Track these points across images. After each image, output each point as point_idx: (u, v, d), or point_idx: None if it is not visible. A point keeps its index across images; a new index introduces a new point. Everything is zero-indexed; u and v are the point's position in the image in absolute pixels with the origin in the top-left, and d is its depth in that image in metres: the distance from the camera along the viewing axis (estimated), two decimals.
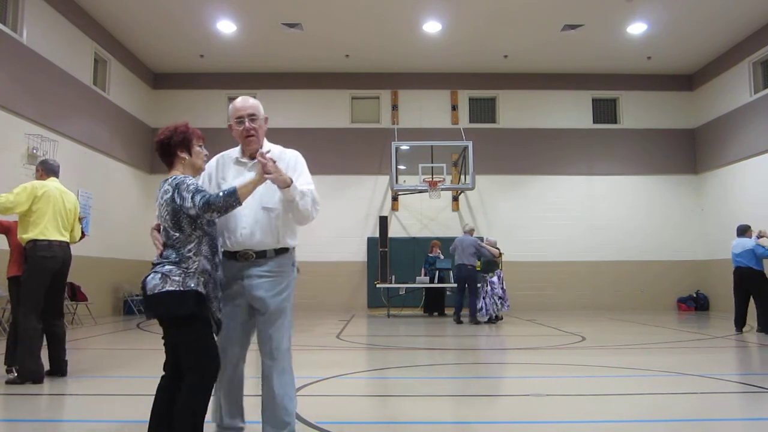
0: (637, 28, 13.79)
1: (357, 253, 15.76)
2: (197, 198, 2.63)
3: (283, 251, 3.00)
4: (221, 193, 2.66)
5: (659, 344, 8.12)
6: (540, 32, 14.00)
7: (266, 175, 2.68)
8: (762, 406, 4.44)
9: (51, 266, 5.08)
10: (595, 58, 15.55)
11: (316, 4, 12.59)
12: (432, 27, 13.76)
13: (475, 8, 12.87)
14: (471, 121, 16.56)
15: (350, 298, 15.61)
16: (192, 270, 2.67)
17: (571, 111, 16.63)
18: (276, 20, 13.31)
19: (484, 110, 16.85)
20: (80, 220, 5.54)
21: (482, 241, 11.79)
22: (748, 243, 9.44)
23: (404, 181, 14.32)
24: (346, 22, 13.49)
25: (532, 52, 15.18)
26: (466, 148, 14.35)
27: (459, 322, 11.27)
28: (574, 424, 3.78)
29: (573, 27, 13.68)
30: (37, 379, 4.89)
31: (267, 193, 2.91)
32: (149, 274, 2.69)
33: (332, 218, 14.79)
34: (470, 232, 11.91)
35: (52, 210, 5.14)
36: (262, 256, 2.94)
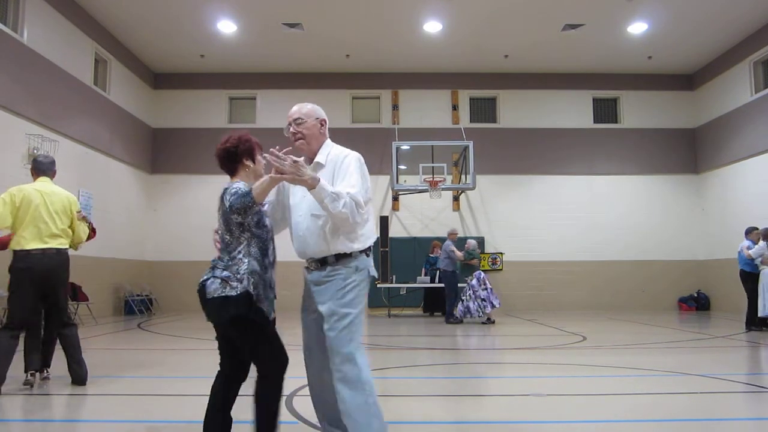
0: (637, 28, 13.78)
1: None
2: (230, 200, 2.72)
3: (345, 256, 2.92)
4: (239, 194, 2.70)
5: (660, 344, 8.12)
6: (540, 32, 14.00)
7: (276, 175, 2.63)
8: (762, 406, 4.44)
9: (28, 277, 4.75)
10: (596, 57, 15.54)
11: (316, 4, 12.59)
12: (432, 27, 13.75)
13: (475, 8, 12.87)
14: (471, 120, 16.55)
15: None
16: (243, 271, 2.74)
17: (571, 111, 16.62)
18: (276, 20, 13.31)
19: (484, 110, 16.84)
20: (84, 219, 5.19)
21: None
22: (740, 245, 9.97)
23: (405, 180, 14.32)
24: (346, 22, 13.49)
25: (532, 52, 15.18)
26: (466, 147, 14.34)
27: (458, 322, 11.30)
28: (574, 424, 3.78)
29: (573, 27, 13.67)
30: None
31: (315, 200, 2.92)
32: (208, 278, 2.77)
33: None
34: (450, 235, 11.93)
35: (30, 216, 4.77)
36: (323, 263, 2.93)
